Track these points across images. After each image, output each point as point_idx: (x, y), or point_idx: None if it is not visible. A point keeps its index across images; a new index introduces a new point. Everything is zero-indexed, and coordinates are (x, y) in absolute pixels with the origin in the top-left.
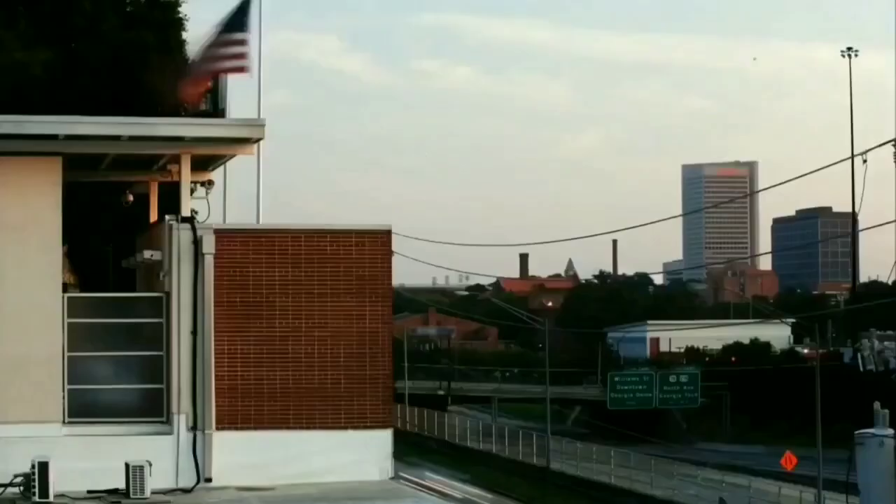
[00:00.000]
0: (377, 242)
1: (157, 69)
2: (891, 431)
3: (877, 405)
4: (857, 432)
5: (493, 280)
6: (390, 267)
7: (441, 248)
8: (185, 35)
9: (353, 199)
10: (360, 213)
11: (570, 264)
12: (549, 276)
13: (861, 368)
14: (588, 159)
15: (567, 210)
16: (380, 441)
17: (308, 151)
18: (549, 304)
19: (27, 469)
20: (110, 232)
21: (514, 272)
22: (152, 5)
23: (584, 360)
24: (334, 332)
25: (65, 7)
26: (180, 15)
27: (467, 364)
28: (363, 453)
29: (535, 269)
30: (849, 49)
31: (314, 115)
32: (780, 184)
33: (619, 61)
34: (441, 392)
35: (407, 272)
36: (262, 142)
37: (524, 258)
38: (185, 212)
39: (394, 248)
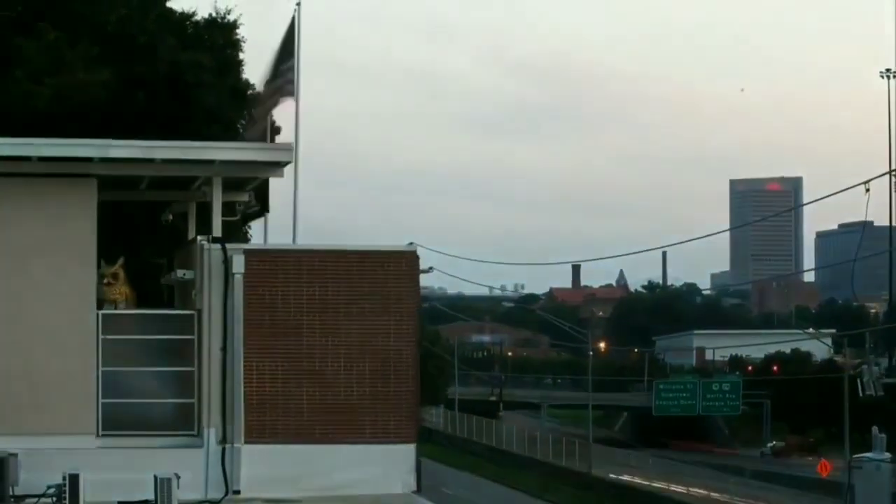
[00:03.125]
0: (402, 263)
1: (212, 89)
2: (888, 456)
3: (875, 430)
4: (854, 456)
5: (546, 290)
6: (415, 286)
7: (500, 259)
8: (242, 56)
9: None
10: (413, 231)
11: (620, 275)
12: (601, 286)
13: (861, 393)
14: (643, 173)
15: (619, 222)
16: (403, 455)
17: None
18: (600, 313)
19: (61, 480)
20: (165, 246)
21: (567, 283)
22: (211, 27)
23: (632, 368)
24: (360, 349)
25: (126, 28)
26: (238, 36)
27: (519, 371)
28: (387, 467)
29: (586, 279)
30: (887, 70)
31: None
32: (822, 198)
33: (662, 81)
34: (493, 398)
35: (464, 283)
36: (298, 164)
37: (576, 269)
38: (217, 232)
39: (448, 263)
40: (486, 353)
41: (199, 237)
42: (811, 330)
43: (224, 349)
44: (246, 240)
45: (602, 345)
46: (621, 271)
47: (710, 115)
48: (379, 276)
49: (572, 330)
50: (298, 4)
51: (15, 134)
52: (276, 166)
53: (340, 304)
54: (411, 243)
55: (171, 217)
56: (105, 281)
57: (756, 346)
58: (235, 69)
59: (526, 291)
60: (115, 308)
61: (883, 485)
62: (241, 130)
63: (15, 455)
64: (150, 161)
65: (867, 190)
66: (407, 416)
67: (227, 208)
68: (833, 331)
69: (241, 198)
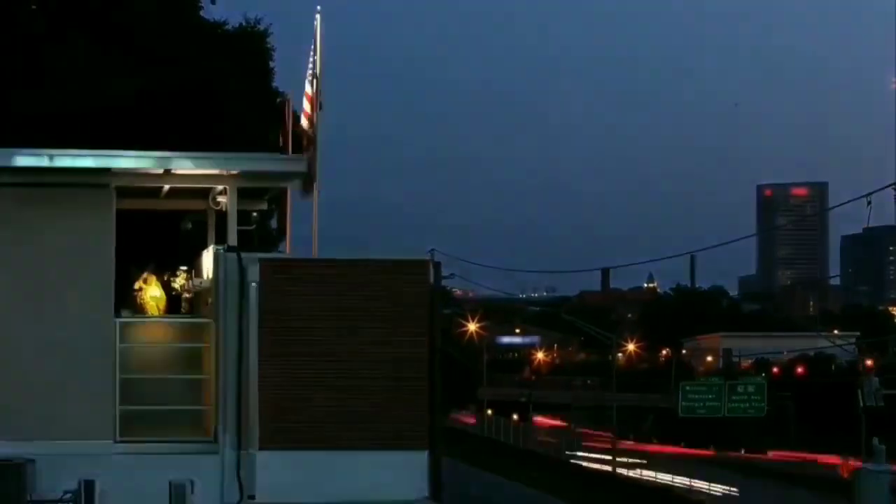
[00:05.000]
0: (415, 272)
1: (240, 97)
2: (887, 468)
3: (875, 441)
4: (856, 468)
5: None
6: (428, 295)
7: (532, 264)
8: (272, 64)
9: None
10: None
11: (649, 278)
12: (630, 289)
13: (861, 405)
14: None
15: (649, 226)
16: (416, 462)
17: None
18: (629, 315)
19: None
20: (186, 254)
21: (597, 285)
22: (241, 36)
23: (659, 370)
24: (373, 356)
25: (156, 35)
26: (268, 45)
27: (550, 372)
28: (400, 474)
29: (616, 282)
30: None
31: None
32: (847, 202)
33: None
34: (523, 399)
35: (496, 284)
36: (317, 175)
37: (605, 272)
38: (232, 241)
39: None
40: (516, 355)
41: (214, 246)
42: (836, 332)
43: (240, 356)
44: (276, 249)
45: (631, 347)
46: (650, 274)
47: (736, 120)
48: (393, 285)
49: (598, 333)
50: (319, 12)
51: (41, 141)
52: (291, 177)
53: (355, 313)
54: (432, 250)
55: (190, 225)
56: (137, 287)
57: (782, 349)
58: (265, 78)
59: (557, 294)
60: (147, 314)
61: (882, 497)
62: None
63: (32, 461)
64: (166, 172)
65: (869, 203)
66: (420, 423)
67: (243, 217)
68: (857, 333)
69: (258, 207)
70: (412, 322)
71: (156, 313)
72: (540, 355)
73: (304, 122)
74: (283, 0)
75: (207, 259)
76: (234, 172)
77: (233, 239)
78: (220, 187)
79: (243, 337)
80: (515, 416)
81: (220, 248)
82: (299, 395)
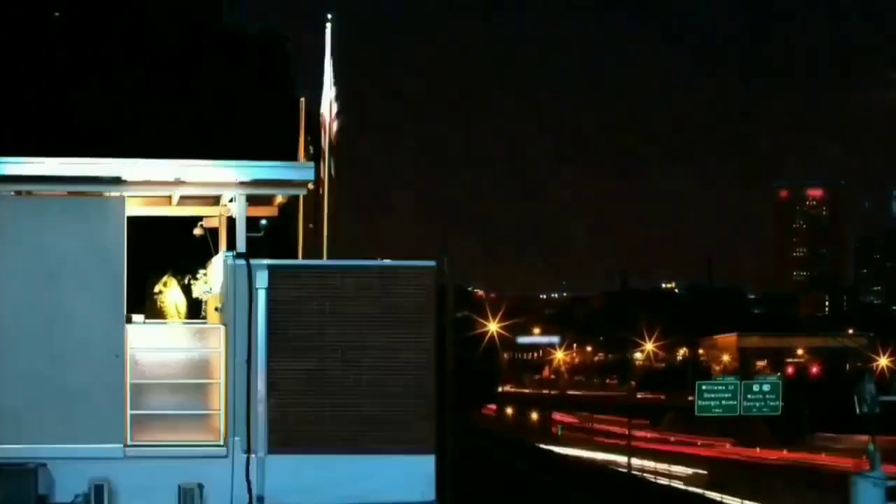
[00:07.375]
0: (422, 278)
1: (258, 102)
2: (881, 473)
3: (871, 447)
4: (852, 473)
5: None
6: (435, 301)
7: (551, 264)
8: (291, 70)
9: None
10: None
11: (666, 277)
12: (648, 289)
13: (857, 411)
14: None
15: (666, 227)
16: (422, 465)
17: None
18: (646, 314)
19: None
20: (199, 259)
21: (615, 285)
22: (260, 42)
23: (676, 369)
24: (380, 362)
25: (176, 42)
26: (287, 51)
27: (569, 371)
28: (406, 477)
29: (634, 282)
30: None
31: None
32: (862, 204)
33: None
34: (543, 398)
35: (514, 284)
36: (324, 180)
37: (623, 272)
38: (241, 248)
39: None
40: (537, 355)
41: (223, 252)
42: (851, 332)
43: (248, 361)
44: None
45: (649, 346)
46: (668, 274)
47: (752, 118)
48: (400, 291)
49: (616, 333)
50: (329, 20)
51: (64, 145)
52: (298, 185)
53: (361, 318)
54: (443, 248)
55: (202, 231)
56: (157, 290)
57: (798, 348)
58: (286, 83)
59: (576, 293)
60: (166, 318)
61: (878, 502)
62: (309, 148)
63: (44, 464)
64: (176, 179)
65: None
66: (425, 427)
67: (252, 224)
68: (870, 334)
69: (268, 213)
70: (420, 326)
71: (177, 317)
72: (559, 355)
73: (323, 130)
74: (310, 8)
75: (217, 265)
76: (244, 180)
77: (241, 245)
78: (230, 194)
79: (252, 342)
80: (535, 415)
81: (228, 254)
82: (308, 400)
